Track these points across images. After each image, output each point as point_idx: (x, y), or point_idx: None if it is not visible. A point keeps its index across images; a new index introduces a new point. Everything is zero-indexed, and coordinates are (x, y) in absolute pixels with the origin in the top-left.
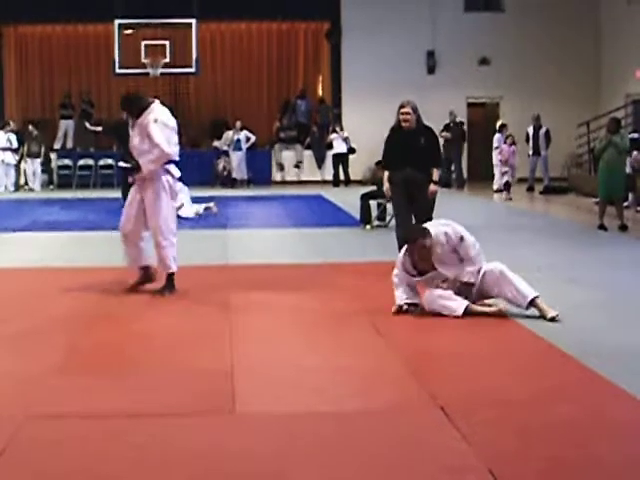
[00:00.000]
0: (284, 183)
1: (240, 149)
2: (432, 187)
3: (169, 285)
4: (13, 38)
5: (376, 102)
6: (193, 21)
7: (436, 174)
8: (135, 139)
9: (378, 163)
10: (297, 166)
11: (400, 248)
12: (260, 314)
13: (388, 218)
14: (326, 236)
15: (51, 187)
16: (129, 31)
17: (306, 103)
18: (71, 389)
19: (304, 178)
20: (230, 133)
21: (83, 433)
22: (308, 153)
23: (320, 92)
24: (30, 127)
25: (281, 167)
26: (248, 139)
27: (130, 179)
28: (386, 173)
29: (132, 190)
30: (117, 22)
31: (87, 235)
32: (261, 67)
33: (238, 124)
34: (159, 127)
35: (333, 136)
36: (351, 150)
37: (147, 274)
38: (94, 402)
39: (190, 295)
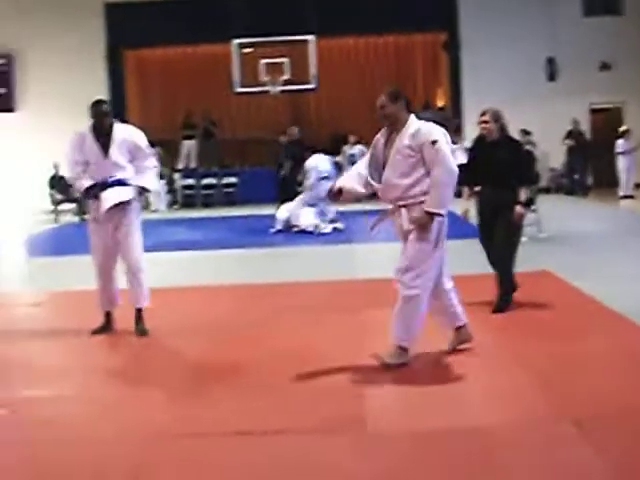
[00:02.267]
0: None
1: (355, 163)
2: (517, 209)
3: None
4: (134, 61)
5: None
6: (311, 37)
7: (522, 194)
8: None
9: None
10: None
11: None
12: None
13: None
14: (450, 248)
15: (175, 207)
16: (248, 50)
17: (429, 115)
18: (206, 406)
19: None
20: (345, 148)
21: (219, 449)
22: None
23: (440, 103)
24: (155, 148)
25: None
26: (363, 153)
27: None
28: (465, 190)
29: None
30: (236, 42)
31: (212, 254)
32: (380, 81)
33: (352, 139)
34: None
35: (453, 147)
36: None
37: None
38: (230, 420)
39: (320, 311)
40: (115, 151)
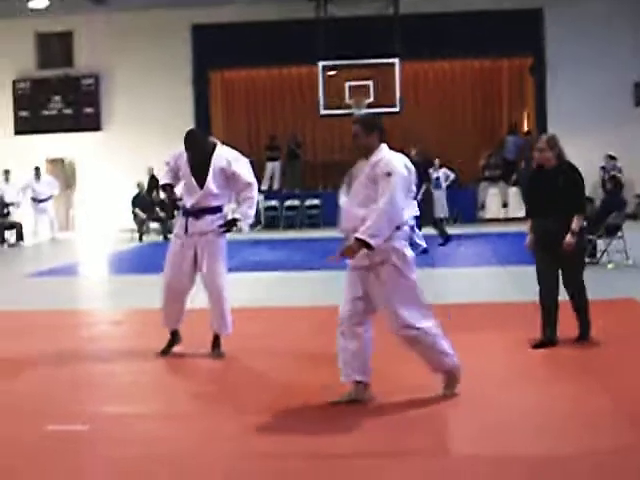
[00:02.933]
0: (490, 221)
1: (440, 187)
2: (567, 238)
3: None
4: (220, 82)
5: (582, 135)
6: (396, 61)
7: (575, 222)
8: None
9: (587, 199)
10: (505, 205)
11: (543, 312)
12: (472, 354)
13: (598, 255)
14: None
15: (258, 228)
16: (333, 72)
17: (515, 139)
18: (288, 428)
19: (511, 215)
20: (430, 171)
21: (305, 470)
22: (514, 190)
23: (526, 127)
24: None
25: (482, 205)
26: (447, 177)
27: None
28: (529, 222)
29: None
30: (321, 64)
31: (293, 275)
32: (464, 105)
33: (437, 162)
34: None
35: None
36: None
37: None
38: (314, 440)
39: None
40: (211, 180)
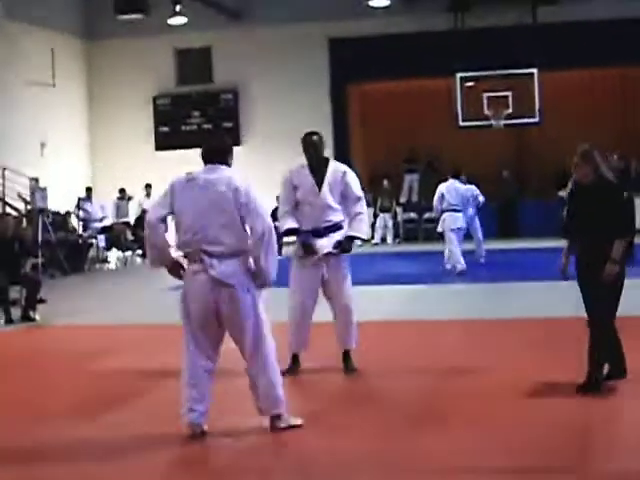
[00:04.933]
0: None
1: None
2: (607, 267)
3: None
4: (357, 96)
5: None
6: (535, 71)
7: (616, 249)
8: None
9: None
10: None
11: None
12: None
13: None
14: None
15: (397, 240)
16: (471, 83)
17: None
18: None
19: None
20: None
21: None
22: None
23: None
24: (385, 181)
25: None
26: None
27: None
28: (564, 244)
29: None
30: (458, 75)
31: (430, 289)
32: (605, 114)
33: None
34: None
35: None
36: None
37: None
38: (462, 457)
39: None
40: (327, 190)
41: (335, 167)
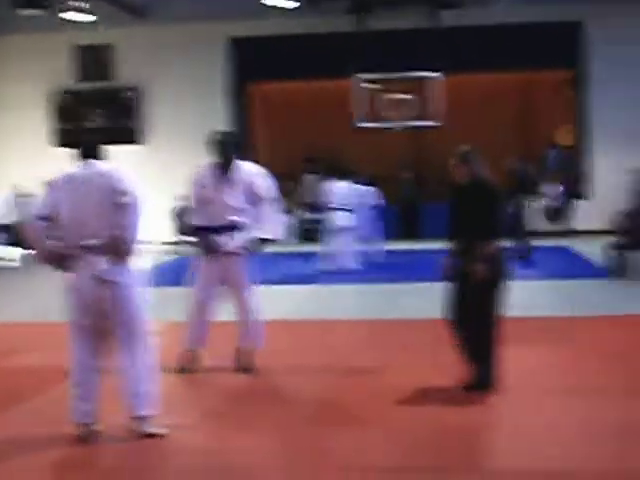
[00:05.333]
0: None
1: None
2: (475, 267)
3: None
4: (258, 95)
5: (626, 149)
6: (436, 74)
7: (485, 249)
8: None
9: (627, 213)
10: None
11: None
12: (520, 368)
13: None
14: (574, 288)
15: (297, 241)
16: (371, 85)
17: (556, 153)
18: (322, 440)
19: (550, 229)
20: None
21: None
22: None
23: (566, 142)
24: (291, 182)
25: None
26: None
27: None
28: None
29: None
30: (358, 76)
31: (330, 288)
32: (504, 118)
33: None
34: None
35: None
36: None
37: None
38: (347, 455)
39: (432, 349)
40: (233, 190)
41: (246, 168)
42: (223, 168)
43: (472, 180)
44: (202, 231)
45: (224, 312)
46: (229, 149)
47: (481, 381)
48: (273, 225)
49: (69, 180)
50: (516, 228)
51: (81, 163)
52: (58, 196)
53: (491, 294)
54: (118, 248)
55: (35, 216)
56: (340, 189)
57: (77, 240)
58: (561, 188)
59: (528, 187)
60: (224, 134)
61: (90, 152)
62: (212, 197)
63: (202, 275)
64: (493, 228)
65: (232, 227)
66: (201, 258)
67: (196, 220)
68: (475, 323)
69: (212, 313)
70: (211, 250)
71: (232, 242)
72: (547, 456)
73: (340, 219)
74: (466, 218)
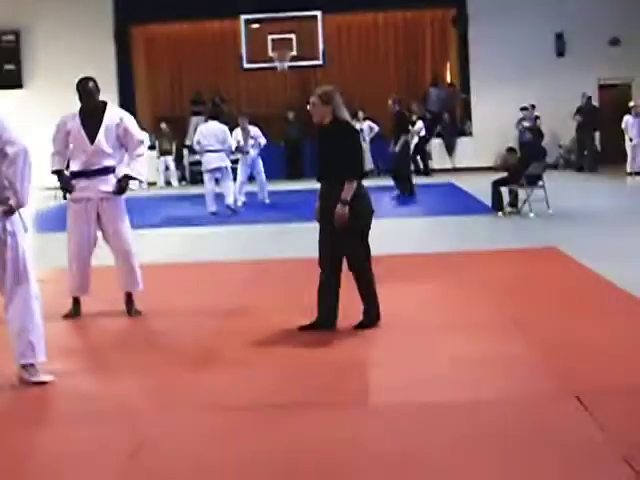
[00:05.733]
0: (413, 172)
1: (363, 140)
2: (337, 209)
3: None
4: (142, 38)
5: (505, 87)
6: (318, 13)
7: (346, 189)
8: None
9: (509, 149)
10: (429, 157)
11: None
12: (400, 305)
13: (520, 204)
14: (458, 224)
15: (183, 183)
16: (255, 26)
17: (438, 91)
18: (216, 380)
19: (436, 167)
20: (354, 123)
21: (230, 423)
22: (437, 142)
23: (449, 79)
24: (162, 125)
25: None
26: (371, 129)
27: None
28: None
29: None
30: (243, 17)
31: (216, 230)
32: (388, 57)
33: (361, 114)
34: None
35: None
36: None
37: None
38: (227, 393)
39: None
40: (102, 137)
41: (112, 112)
42: (91, 115)
43: (332, 121)
44: (62, 174)
45: (105, 256)
46: (95, 95)
47: (365, 320)
48: (139, 164)
49: None
50: (400, 167)
51: None
52: None
53: (355, 234)
54: (7, 200)
55: None
56: (212, 130)
57: None
58: (421, 124)
59: (406, 127)
60: (90, 80)
61: None
62: (79, 144)
63: (75, 221)
64: (353, 168)
65: (103, 170)
66: (71, 203)
67: (56, 164)
68: (351, 267)
69: (90, 258)
70: (69, 192)
71: (104, 185)
72: (426, 390)
73: (213, 161)
74: (328, 159)
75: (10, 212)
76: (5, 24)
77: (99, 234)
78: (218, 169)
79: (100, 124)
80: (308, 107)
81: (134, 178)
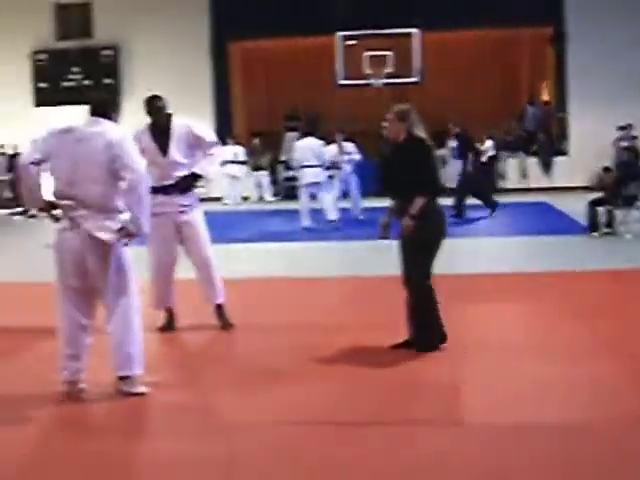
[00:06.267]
0: (509, 191)
1: (455, 157)
2: (403, 221)
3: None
4: (238, 53)
5: (603, 106)
6: (415, 31)
7: (414, 204)
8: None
9: (605, 169)
10: (524, 175)
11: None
12: (488, 325)
13: (616, 225)
14: (552, 244)
15: (277, 198)
16: (351, 42)
17: (534, 109)
18: (302, 395)
19: (532, 185)
20: (449, 141)
21: (320, 439)
22: (533, 161)
23: (546, 97)
24: (255, 140)
25: (502, 176)
26: (463, 147)
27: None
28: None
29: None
30: (339, 34)
31: (308, 246)
32: (484, 75)
33: (454, 132)
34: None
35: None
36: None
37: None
38: (330, 409)
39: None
40: (174, 148)
41: (179, 123)
42: (161, 129)
43: (407, 137)
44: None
45: (187, 269)
46: (164, 111)
47: (417, 341)
48: (207, 162)
49: (68, 131)
50: (479, 185)
51: (88, 119)
52: (52, 144)
53: (420, 250)
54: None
55: (26, 160)
56: (308, 146)
57: (70, 196)
58: (490, 143)
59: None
60: (159, 98)
61: (97, 110)
62: (153, 159)
63: (154, 233)
64: (425, 185)
65: (179, 184)
66: (151, 217)
67: None
68: (415, 282)
69: (173, 271)
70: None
71: (182, 199)
72: (511, 410)
73: (310, 176)
74: (401, 176)
75: (128, 236)
76: (104, 40)
77: (180, 247)
78: (314, 184)
79: (170, 136)
80: (384, 124)
81: (200, 176)
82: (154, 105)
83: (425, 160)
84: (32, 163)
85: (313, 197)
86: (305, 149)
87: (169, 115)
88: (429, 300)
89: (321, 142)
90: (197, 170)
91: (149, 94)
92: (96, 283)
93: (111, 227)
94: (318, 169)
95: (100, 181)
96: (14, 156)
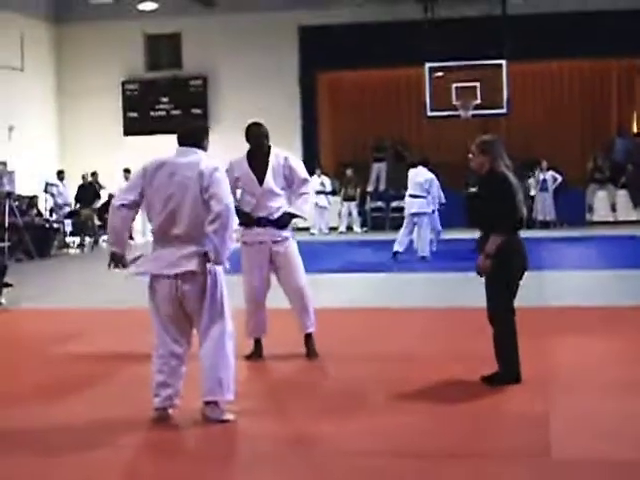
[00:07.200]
0: (599, 224)
1: (546, 189)
2: (478, 261)
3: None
4: (326, 84)
5: None
6: (503, 62)
7: (490, 242)
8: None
9: None
10: (613, 208)
11: None
12: (576, 358)
13: None
14: None
15: (365, 229)
16: (440, 73)
17: (624, 141)
18: (391, 426)
19: (620, 218)
20: (537, 172)
21: (397, 470)
22: (622, 193)
23: (635, 129)
24: (348, 171)
25: (591, 208)
26: (555, 179)
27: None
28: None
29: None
30: (428, 65)
31: (398, 277)
32: (572, 106)
33: (544, 164)
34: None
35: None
36: None
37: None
38: (414, 440)
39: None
40: (270, 178)
41: (277, 154)
42: (258, 158)
43: (489, 171)
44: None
45: (280, 298)
46: (263, 139)
47: (499, 375)
48: (302, 201)
49: (160, 167)
50: None
51: (178, 149)
52: (146, 183)
53: (500, 286)
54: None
55: (120, 201)
56: (418, 176)
57: (167, 229)
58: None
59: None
60: (259, 125)
61: (188, 139)
62: (249, 188)
63: (248, 262)
64: (501, 221)
65: (277, 222)
66: (244, 245)
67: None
68: (496, 318)
69: (264, 299)
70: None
71: (277, 229)
72: (601, 446)
73: (414, 205)
74: (481, 210)
75: (209, 262)
76: (193, 70)
77: (273, 276)
78: (417, 214)
79: (267, 166)
80: (469, 155)
81: (296, 215)
82: (254, 132)
83: (500, 196)
84: (123, 205)
85: (415, 226)
86: (414, 179)
87: (268, 144)
88: (508, 334)
89: (431, 175)
90: (293, 210)
91: (249, 121)
92: (190, 310)
93: (198, 255)
94: (423, 200)
95: (193, 212)
96: (99, 184)
